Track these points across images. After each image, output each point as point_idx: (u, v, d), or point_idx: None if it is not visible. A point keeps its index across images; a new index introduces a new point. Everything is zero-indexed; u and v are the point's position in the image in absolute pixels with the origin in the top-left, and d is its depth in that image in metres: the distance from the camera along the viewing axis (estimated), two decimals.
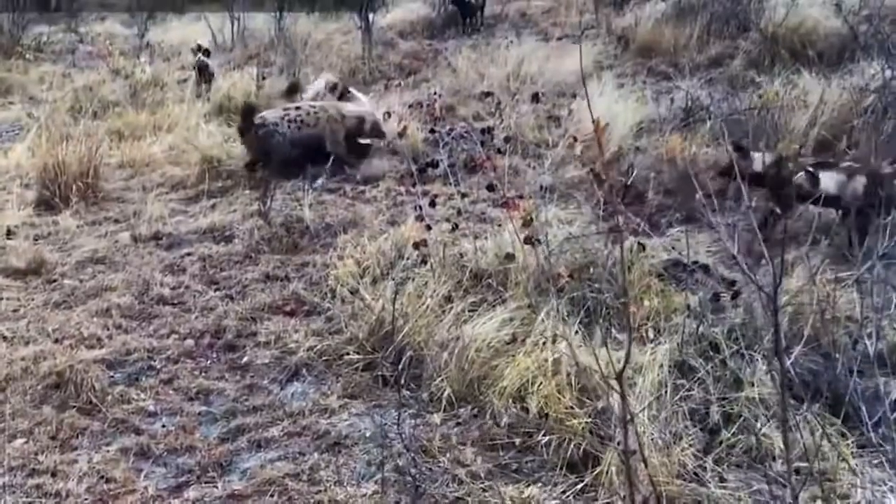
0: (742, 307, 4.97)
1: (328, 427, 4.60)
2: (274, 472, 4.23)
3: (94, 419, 4.72)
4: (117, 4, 20.14)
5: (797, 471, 3.59)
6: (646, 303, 5.27)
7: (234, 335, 5.60)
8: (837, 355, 4.17)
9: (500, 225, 6.57)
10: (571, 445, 4.28)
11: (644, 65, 11.31)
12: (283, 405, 4.83)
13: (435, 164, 7.51)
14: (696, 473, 4.04)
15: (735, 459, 4.18)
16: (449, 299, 5.50)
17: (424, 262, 5.88)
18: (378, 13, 14.24)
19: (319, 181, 8.16)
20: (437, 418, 4.58)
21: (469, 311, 5.34)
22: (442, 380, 4.82)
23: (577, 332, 4.90)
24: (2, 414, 4.70)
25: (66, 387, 4.94)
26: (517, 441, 4.43)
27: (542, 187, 6.78)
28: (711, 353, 4.72)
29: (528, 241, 5.54)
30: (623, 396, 2.74)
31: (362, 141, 8.56)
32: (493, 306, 5.38)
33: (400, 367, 4.96)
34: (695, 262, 5.69)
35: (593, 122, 2.79)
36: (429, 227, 5.99)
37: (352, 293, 5.82)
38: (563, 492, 4.08)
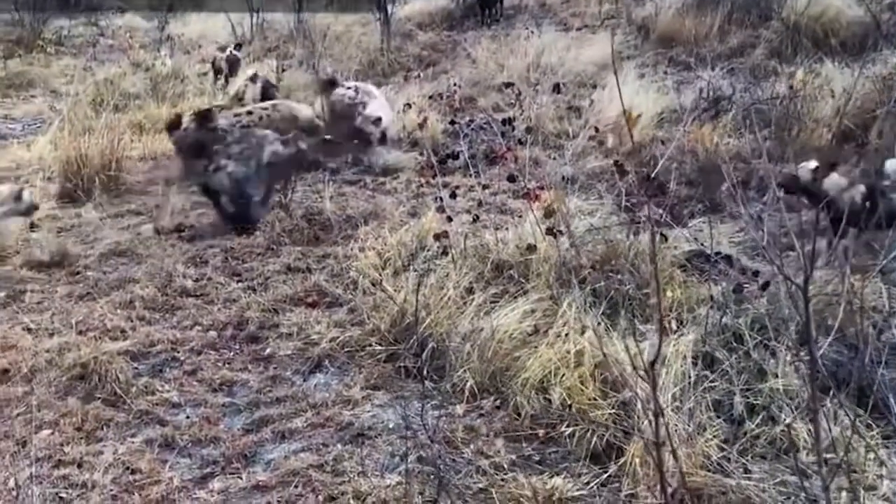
0: (766, 298, 4.94)
1: (351, 418, 4.61)
2: (298, 464, 4.24)
3: (119, 410, 4.75)
4: None
5: (825, 462, 3.57)
6: (669, 294, 5.24)
7: (257, 327, 5.62)
8: (863, 346, 4.13)
9: (520, 216, 6.56)
10: (595, 437, 4.28)
11: (665, 55, 11.25)
12: (307, 396, 4.84)
13: (455, 156, 7.51)
14: (720, 465, 4.02)
15: (759, 451, 4.16)
16: (470, 291, 5.50)
17: (445, 253, 5.88)
18: (397, 5, 14.23)
19: None
20: (459, 409, 4.58)
21: (491, 302, 5.34)
22: (464, 371, 4.82)
23: (599, 323, 4.89)
24: (28, 405, 4.72)
25: (91, 378, 4.97)
26: (540, 432, 4.43)
27: (563, 178, 6.77)
28: (735, 345, 4.69)
29: (549, 232, 5.55)
30: (654, 387, 2.73)
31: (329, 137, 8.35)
32: (515, 297, 5.37)
33: (422, 358, 4.96)
34: (717, 253, 5.66)
35: (624, 112, 2.77)
36: (450, 219, 6.00)
37: (373, 285, 5.83)
38: (587, 483, 4.07)
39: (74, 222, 7.47)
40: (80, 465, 4.29)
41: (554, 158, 7.99)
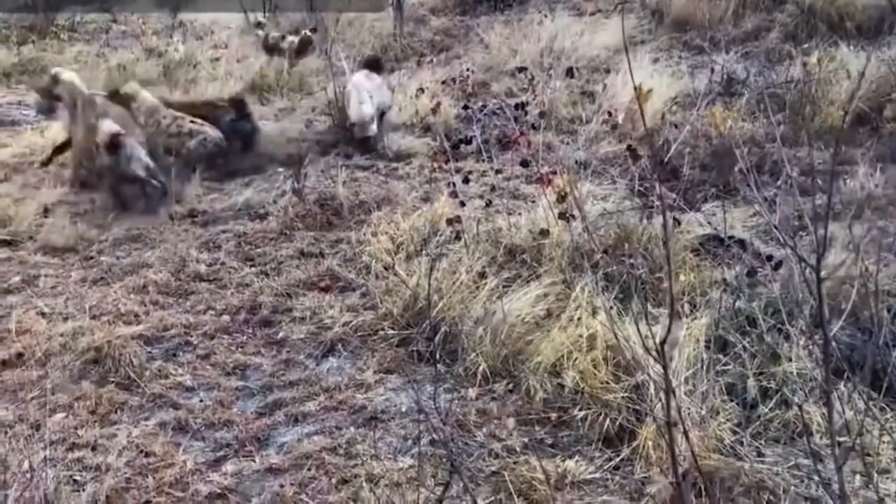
0: (779, 281, 4.92)
1: (364, 402, 4.62)
2: (311, 447, 4.27)
3: (133, 394, 4.78)
4: None
5: (838, 444, 3.56)
6: (682, 278, 5.23)
7: (270, 311, 5.64)
8: (877, 329, 4.11)
9: (533, 201, 6.55)
10: (607, 420, 4.29)
11: (679, 39, 11.15)
12: (320, 380, 4.86)
13: (468, 141, 7.48)
14: (733, 448, 4.03)
15: (773, 434, 4.16)
16: (483, 275, 5.50)
17: (458, 238, 5.88)
18: None
19: None
20: (472, 393, 4.59)
21: (503, 286, 5.34)
22: (477, 355, 4.83)
23: (612, 307, 4.88)
24: (42, 389, 4.76)
25: (105, 362, 5.00)
26: (553, 416, 4.45)
27: (576, 163, 6.75)
28: (748, 328, 4.69)
29: (562, 216, 5.54)
30: (665, 366, 2.73)
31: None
32: (528, 282, 5.38)
33: (435, 342, 4.97)
34: (731, 237, 5.64)
35: (635, 89, 2.76)
36: (462, 204, 5.99)
37: (386, 269, 5.83)
38: (600, 466, 4.09)
39: (88, 207, 7.47)
40: (94, 448, 4.32)
41: (567, 143, 7.96)
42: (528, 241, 5.79)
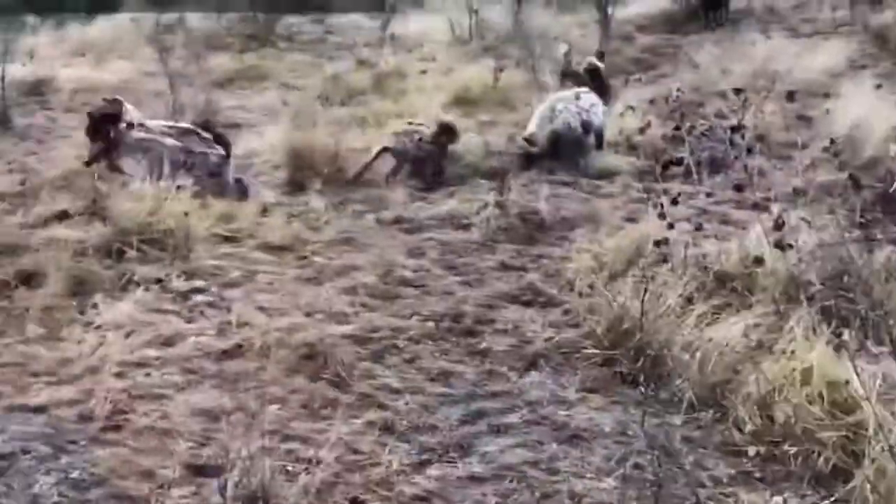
0: None
1: (566, 419, 4.61)
2: (513, 459, 4.28)
3: (343, 392, 4.93)
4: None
5: None
6: None
7: (473, 321, 5.72)
8: None
9: (744, 227, 6.38)
10: (821, 458, 4.11)
11: None
12: (522, 393, 4.88)
13: (678, 162, 7.37)
14: None
15: None
16: (690, 300, 5.39)
17: (665, 260, 5.79)
18: (616, 6, 14.08)
19: None
20: (677, 419, 4.50)
21: (712, 314, 5.22)
22: (683, 381, 4.74)
23: (828, 342, 4.68)
24: (259, 380, 5.00)
25: (317, 359, 5.18)
26: (761, 449, 4.30)
27: (793, 190, 6.51)
28: None
29: (778, 245, 5.36)
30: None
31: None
32: (738, 311, 5.24)
33: (640, 364, 4.91)
34: None
35: None
36: (671, 226, 5.89)
37: (590, 287, 5.81)
38: None
39: (302, 209, 7.82)
40: (305, 441, 4.47)
41: (781, 169, 7.70)
42: (739, 269, 5.64)
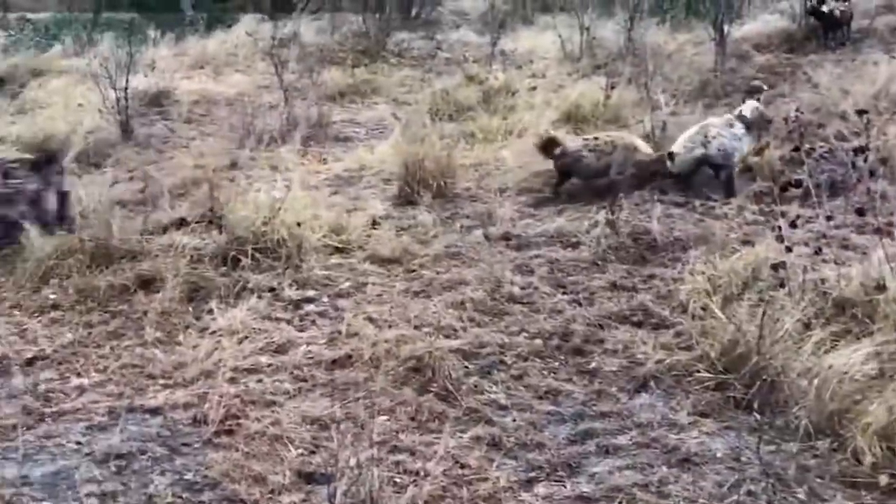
0: None
1: (677, 442, 4.52)
2: (622, 480, 4.22)
3: (451, 406, 4.94)
4: (471, 14, 21.21)
5: None
6: None
7: (582, 340, 5.66)
8: None
9: (864, 252, 6.18)
10: None
11: None
12: (632, 415, 4.81)
13: (797, 184, 7.15)
14: None
15: None
16: (808, 326, 5.24)
17: (782, 285, 5.63)
18: (733, 25, 13.80)
19: None
20: (793, 447, 4.37)
21: (831, 341, 5.06)
22: (800, 408, 4.60)
23: None
24: (368, 391, 5.04)
25: (425, 372, 5.20)
26: (883, 481, 4.14)
27: None
28: None
29: None
30: None
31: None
32: (858, 338, 5.08)
33: (754, 390, 4.78)
34: None
35: None
36: (789, 249, 5.73)
37: (703, 310, 5.69)
38: None
39: (411, 223, 7.88)
40: (413, 453, 4.50)
41: None
42: (859, 295, 5.45)
